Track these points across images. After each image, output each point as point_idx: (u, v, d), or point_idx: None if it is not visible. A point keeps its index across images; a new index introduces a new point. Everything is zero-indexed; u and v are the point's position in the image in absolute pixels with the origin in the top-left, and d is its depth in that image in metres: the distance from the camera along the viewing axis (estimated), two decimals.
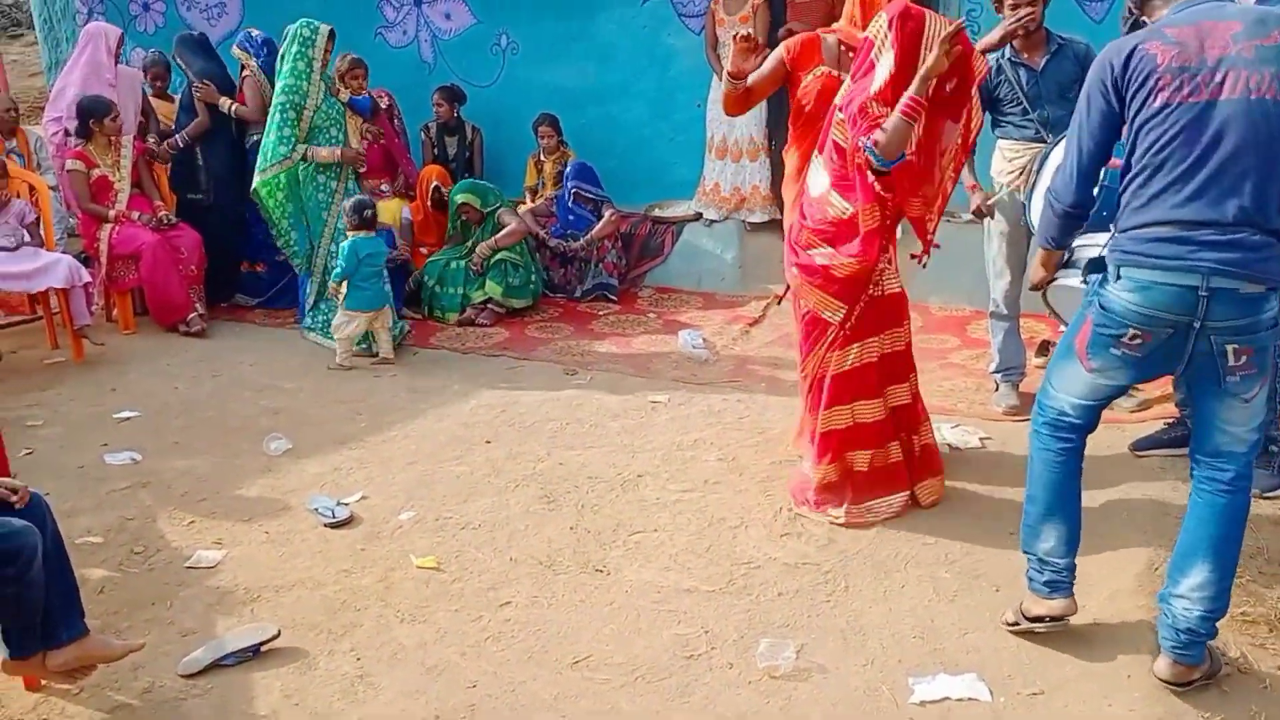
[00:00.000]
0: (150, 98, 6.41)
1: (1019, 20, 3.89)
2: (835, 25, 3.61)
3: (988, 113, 4.17)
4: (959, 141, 3.32)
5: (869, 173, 3.13)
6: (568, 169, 6.41)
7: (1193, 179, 2.23)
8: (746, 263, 6.24)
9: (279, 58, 5.60)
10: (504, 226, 5.95)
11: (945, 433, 4.05)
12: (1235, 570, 2.40)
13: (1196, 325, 2.24)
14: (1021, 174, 4.09)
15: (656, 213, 6.71)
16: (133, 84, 6.15)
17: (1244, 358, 2.26)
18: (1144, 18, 2.54)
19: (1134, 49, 2.31)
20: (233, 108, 5.95)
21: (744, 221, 6.29)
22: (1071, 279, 2.73)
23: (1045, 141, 3.90)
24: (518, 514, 3.50)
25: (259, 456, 4.02)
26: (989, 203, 4.14)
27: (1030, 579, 2.63)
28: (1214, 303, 2.21)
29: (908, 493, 3.44)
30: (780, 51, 3.57)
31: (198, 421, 4.40)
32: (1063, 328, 2.78)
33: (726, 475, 3.76)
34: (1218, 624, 2.39)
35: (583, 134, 6.82)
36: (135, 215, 5.68)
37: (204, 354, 5.31)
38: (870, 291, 3.30)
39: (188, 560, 3.25)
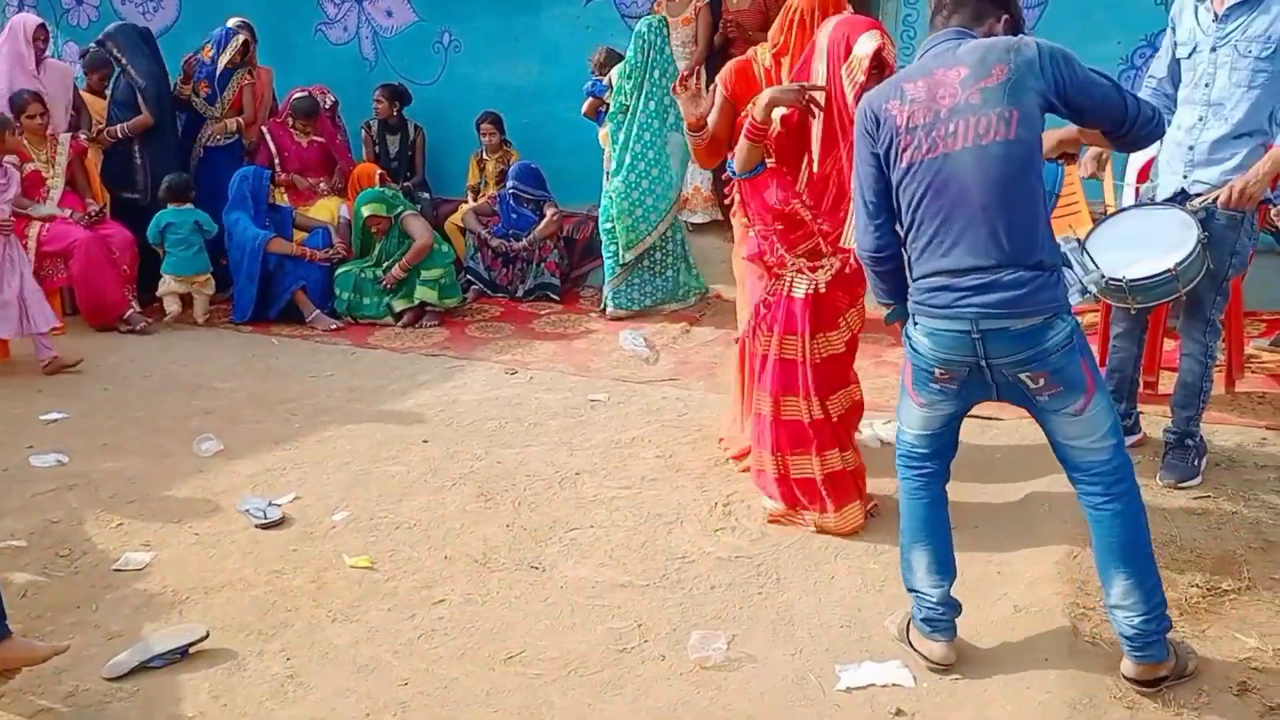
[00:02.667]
0: (83, 92, 6.28)
1: None
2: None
3: None
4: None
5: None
6: (510, 169, 6.40)
7: (950, 230, 2.33)
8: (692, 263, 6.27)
9: None
10: (409, 232, 5.83)
11: (877, 428, 4.13)
12: (1153, 566, 2.41)
13: (983, 363, 2.35)
14: None
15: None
16: (63, 79, 6.03)
17: (1040, 381, 2.33)
18: None
19: (880, 109, 2.40)
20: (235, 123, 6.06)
21: (685, 222, 6.33)
22: None
23: None
24: (453, 512, 3.49)
25: (190, 457, 3.96)
26: None
27: (913, 614, 2.64)
28: (988, 343, 2.31)
29: (830, 512, 3.30)
30: (720, 89, 3.41)
31: (127, 422, 4.33)
32: None
33: (664, 472, 3.79)
34: (1166, 614, 2.40)
35: (526, 133, 6.82)
36: (67, 213, 5.56)
37: (135, 354, 5.22)
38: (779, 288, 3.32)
39: (115, 563, 3.19)
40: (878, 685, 2.55)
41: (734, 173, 3.23)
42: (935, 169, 2.33)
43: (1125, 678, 2.44)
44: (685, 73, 3.37)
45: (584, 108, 6.20)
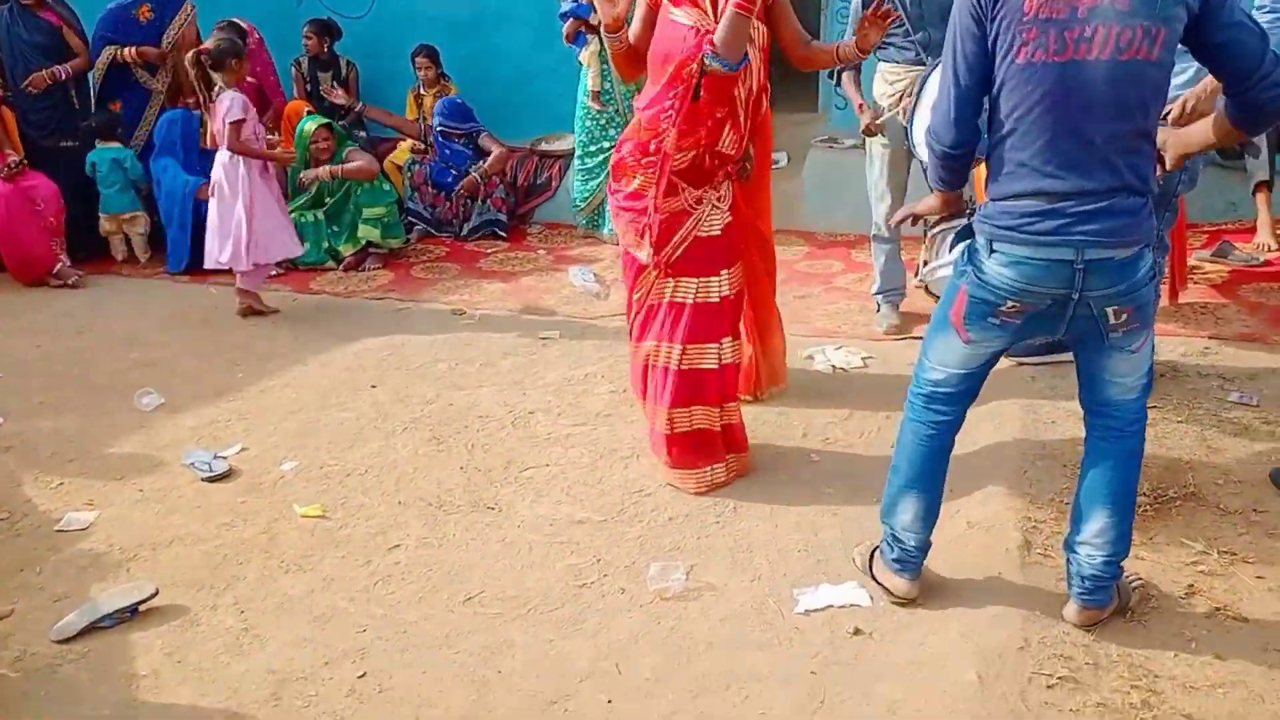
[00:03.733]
0: None
1: None
2: None
3: None
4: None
5: (695, 84, 2.89)
6: (434, 106, 6.23)
7: (1061, 147, 2.13)
8: None
9: None
10: (350, 161, 5.66)
11: (829, 354, 4.14)
12: (1134, 512, 2.40)
13: (1075, 296, 2.17)
14: (901, 97, 4.12)
15: (543, 147, 6.59)
16: None
17: (1125, 315, 2.20)
18: None
19: None
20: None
21: None
22: (947, 270, 2.62)
23: (925, 64, 3.93)
24: (405, 457, 3.44)
25: (130, 413, 3.85)
26: (878, 120, 4.15)
27: (882, 550, 2.58)
28: (1090, 274, 2.15)
29: (723, 464, 3.20)
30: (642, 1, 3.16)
31: (63, 379, 4.19)
32: None
33: (618, 407, 3.76)
34: (1121, 564, 2.39)
35: (464, 65, 6.63)
36: None
37: (67, 309, 5.04)
38: (688, 229, 3.10)
39: (57, 524, 3.10)
40: (835, 606, 2.58)
41: (727, 65, 2.83)
42: (1060, 74, 2.09)
43: (1068, 621, 2.40)
44: None
45: (565, 30, 5.92)
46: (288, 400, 3.93)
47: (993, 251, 2.22)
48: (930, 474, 2.49)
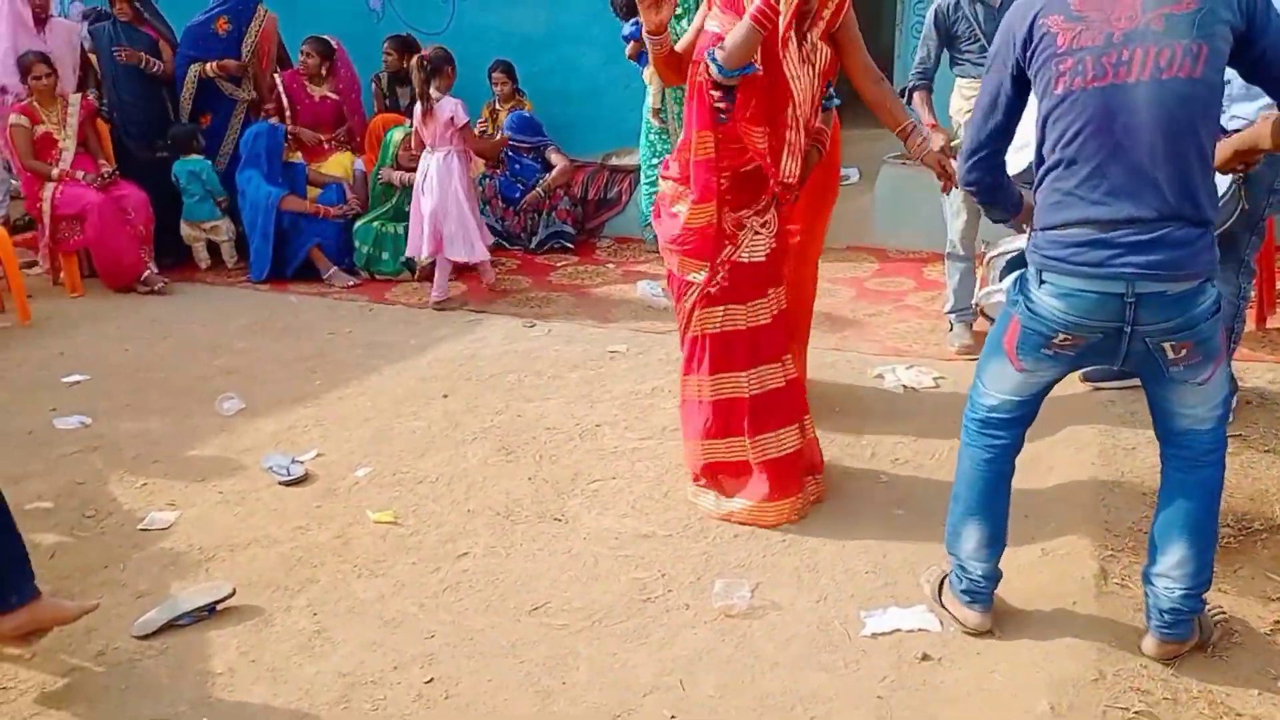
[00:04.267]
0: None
1: None
2: None
3: (945, 50, 4.16)
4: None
5: (710, 92, 2.81)
6: (505, 120, 6.33)
7: (1108, 173, 2.06)
8: None
9: None
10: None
11: (900, 373, 4.09)
12: (1215, 542, 2.31)
13: (1127, 330, 2.11)
14: None
15: (614, 161, 6.65)
16: (69, 37, 5.98)
17: (1184, 350, 2.12)
18: None
19: (1037, 21, 2.12)
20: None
21: None
22: (1003, 295, 2.57)
23: None
24: (475, 466, 3.49)
25: (212, 417, 3.97)
26: (952, 144, 4.10)
27: (951, 581, 2.53)
28: (1141, 308, 2.07)
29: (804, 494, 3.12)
30: (704, 4, 3.09)
31: (149, 383, 4.34)
32: None
33: None
34: (1205, 597, 2.31)
35: (537, 81, 6.71)
36: (80, 175, 5.54)
37: (154, 315, 5.22)
38: (730, 255, 3.02)
39: (140, 523, 3.21)
40: (903, 631, 2.54)
41: (723, 72, 2.75)
42: (1101, 100, 2.05)
43: (1143, 653, 2.32)
44: None
45: (628, 50, 6.04)
46: (363, 408, 4.01)
47: (1042, 282, 2.17)
48: (990, 500, 2.42)
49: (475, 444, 3.65)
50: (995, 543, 2.45)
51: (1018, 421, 2.38)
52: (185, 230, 6.01)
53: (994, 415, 2.37)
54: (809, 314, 3.64)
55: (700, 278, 3.05)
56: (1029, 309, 2.20)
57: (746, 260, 3.04)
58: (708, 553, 2.94)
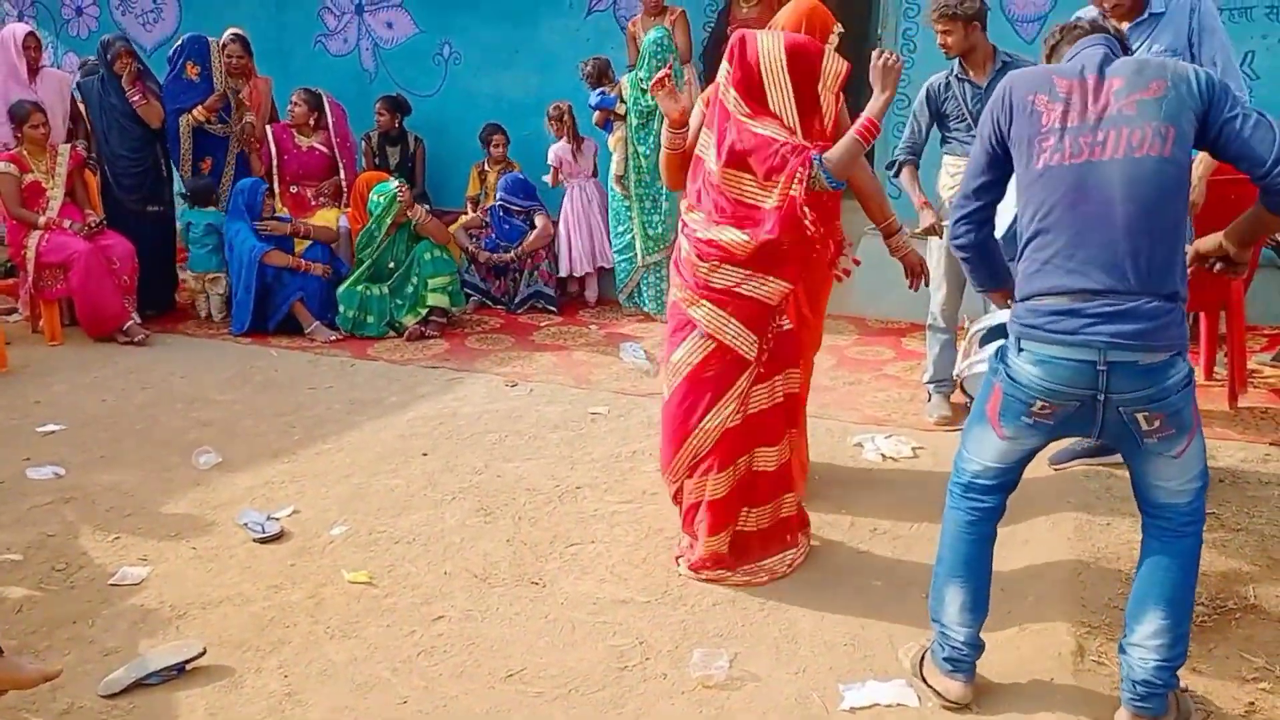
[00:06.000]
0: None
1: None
2: None
3: (935, 128, 4.28)
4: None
5: (800, 203, 2.81)
6: (499, 182, 6.42)
7: (1084, 245, 2.17)
8: None
9: None
10: (425, 229, 5.90)
11: (879, 442, 4.12)
12: (1190, 615, 2.34)
13: (1101, 398, 2.18)
14: None
15: None
16: (60, 88, 6.01)
17: (1157, 422, 2.19)
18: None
19: (1024, 98, 2.27)
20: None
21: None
22: (983, 366, 2.65)
23: None
24: (453, 527, 3.46)
25: (188, 470, 3.93)
26: (940, 223, 4.20)
27: (933, 651, 2.53)
28: (1113, 376, 2.15)
29: (800, 548, 3.21)
30: (700, 107, 3.20)
31: (125, 435, 4.30)
32: None
33: (664, 486, 3.74)
34: (1177, 673, 2.32)
35: (526, 145, 6.82)
36: (66, 224, 5.55)
37: (133, 366, 5.19)
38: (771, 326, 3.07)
39: (111, 577, 3.16)
40: (881, 705, 2.52)
41: (833, 183, 2.81)
42: (1078, 176, 2.17)
43: None
44: (663, 73, 3.19)
45: (595, 119, 6.24)
46: (341, 464, 3.99)
47: (1021, 350, 2.25)
48: (974, 563, 2.47)
49: (454, 504, 3.64)
50: (978, 607, 2.48)
51: (1000, 488, 2.44)
52: (191, 282, 6.09)
53: (978, 481, 2.44)
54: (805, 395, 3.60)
55: (752, 349, 3.01)
56: (1009, 376, 2.27)
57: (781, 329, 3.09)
58: (686, 621, 2.92)
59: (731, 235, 2.93)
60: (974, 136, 4.07)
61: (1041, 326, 2.20)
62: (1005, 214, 2.80)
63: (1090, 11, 3.47)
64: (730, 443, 3.06)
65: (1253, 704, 2.45)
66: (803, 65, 2.86)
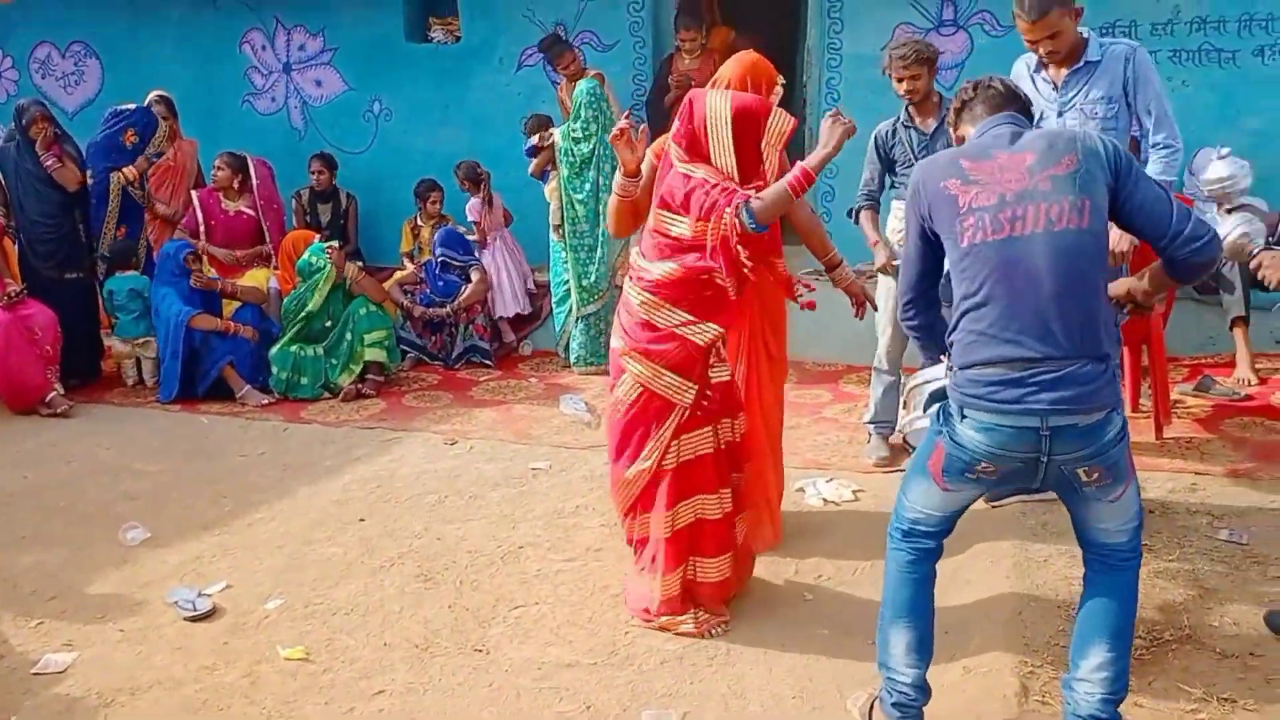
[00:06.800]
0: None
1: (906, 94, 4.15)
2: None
3: (886, 174, 4.38)
4: None
5: (732, 242, 2.90)
6: (436, 236, 6.39)
7: (1016, 316, 2.24)
8: None
9: None
10: (360, 287, 5.86)
11: (820, 486, 4.14)
12: (1130, 649, 2.40)
13: (1044, 460, 2.25)
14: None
15: (536, 277, 6.72)
16: None
17: (1095, 474, 2.27)
18: (956, 132, 2.59)
19: (936, 186, 2.35)
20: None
21: (618, 287, 6.33)
22: (924, 422, 2.71)
23: None
24: (392, 595, 3.39)
25: (114, 547, 3.80)
26: (894, 262, 4.27)
27: (882, 698, 2.54)
28: (1055, 440, 2.22)
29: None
30: (650, 157, 3.33)
31: (49, 511, 4.15)
32: None
33: (609, 541, 3.74)
34: (1119, 709, 2.37)
35: (460, 200, 6.80)
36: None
37: (56, 439, 5.02)
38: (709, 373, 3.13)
39: (35, 665, 3.02)
40: None
41: (755, 226, 2.88)
42: (1002, 251, 2.25)
43: None
44: (622, 124, 3.29)
45: (530, 169, 6.30)
46: (275, 534, 3.89)
47: (964, 416, 2.31)
48: (917, 604, 2.51)
49: (393, 570, 3.56)
50: (923, 648, 2.50)
51: (940, 533, 2.51)
52: (117, 347, 5.90)
53: (918, 526, 2.49)
54: (779, 434, 3.69)
55: (688, 397, 3.06)
56: (953, 439, 2.33)
57: (716, 379, 3.14)
58: (634, 681, 2.88)
59: (666, 267, 3.02)
60: None
61: (984, 396, 2.26)
62: None
63: (1030, 59, 3.58)
64: (663, 487, 3.09)
65: None
66: (748, 124, 2.94)
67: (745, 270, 2.94)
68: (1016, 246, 2.24)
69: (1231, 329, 5.04)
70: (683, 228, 2.99)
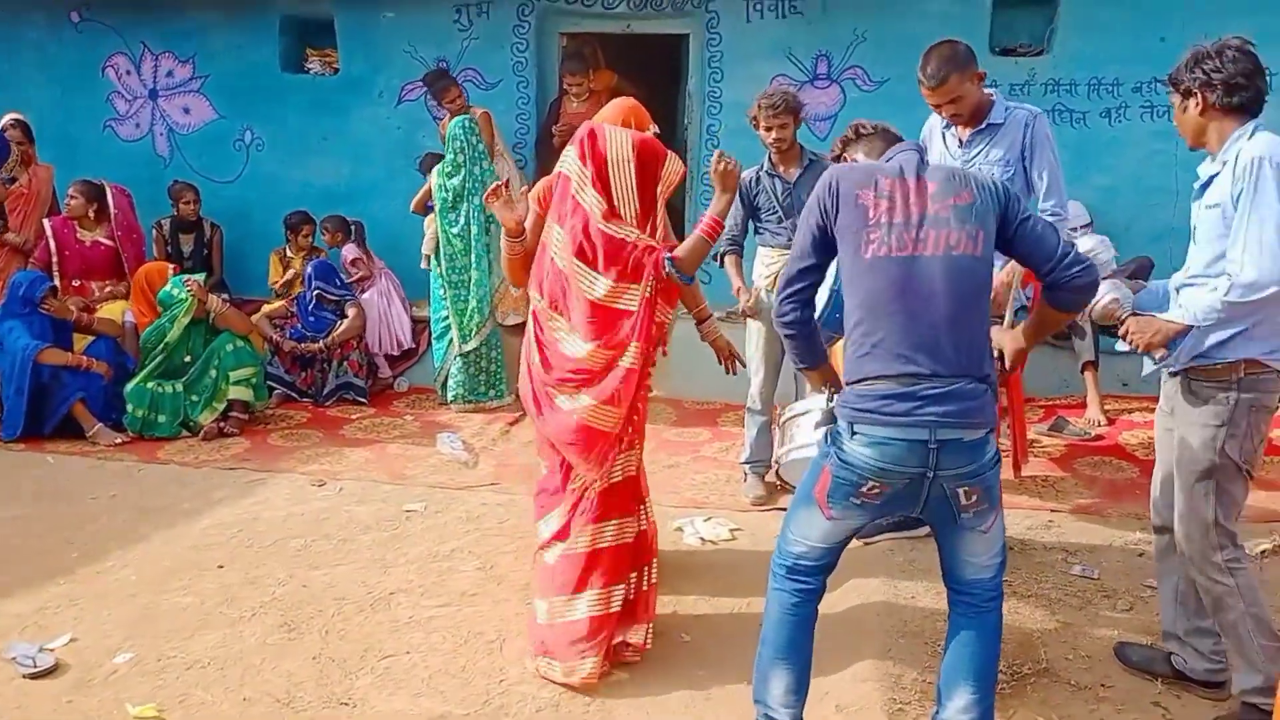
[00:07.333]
0: None
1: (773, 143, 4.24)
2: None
3: (749, 220, 4.46)
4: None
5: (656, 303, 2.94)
6: (310, 270, 6.21)
7: (911, 332, 2.32)
8: (506, 362, 6.21)
9: None
10: (225, 320, 5.61)
11: (698, 525, 4.16)
12: (995, 688, 2.48)
13: (930, 475, 2.32)
14: (776, 278, 4.36)
15: (413, 312, 6.60)
16: None
17: (974, 496, 2.36)
18: (845, 156, 2.74)
19: (850, 191, 2.42)
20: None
21: (499, 324, 6.28)
22: (802, 452, 2.78)
23: None
24: (253, 646, 3.22)
25: None
26: (755, 306, 4.36)
27: None
28: (942, 454, 2.30)
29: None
30: (533, 205, 3.31)
31: None
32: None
33: (485, 585, 3.66)
34: None
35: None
36: None
37: None
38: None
39: None
40: None
41: (685, 279, 2.96)
42: (903, 268, 2.34)
43: None
44: (495, 185, 3.29)
45: (413, 205, 6.23)
46: (126, 583, 3.65)
47: (854, 433, 2.36)
48: (798, 644, 2.53)
49: (254, 620, 3.39)
50: (800, 689, 2.52)
51: (822, 569, 2.54)
52: None
53: (801, 562, 2.51)
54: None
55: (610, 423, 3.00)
56: (841, 459, 2.38)
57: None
58: None
59: (586, 349, 2.97)
60: (785, 228, 4.34)
61: (875, 410, 2.33)
62: (821, 298, 2.95)
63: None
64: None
65: None
66: (649, 164, 2.97)
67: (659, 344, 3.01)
68: (916, 266, 2.34)
69: (1083, 372, 5.35)
70: (601, 288, 2.94)
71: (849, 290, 2.43)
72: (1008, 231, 2.42)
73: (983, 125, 3.66)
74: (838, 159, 2.77)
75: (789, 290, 2.56)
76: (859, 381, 2.37)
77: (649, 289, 2.92)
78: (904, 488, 2.37)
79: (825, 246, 2.49)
